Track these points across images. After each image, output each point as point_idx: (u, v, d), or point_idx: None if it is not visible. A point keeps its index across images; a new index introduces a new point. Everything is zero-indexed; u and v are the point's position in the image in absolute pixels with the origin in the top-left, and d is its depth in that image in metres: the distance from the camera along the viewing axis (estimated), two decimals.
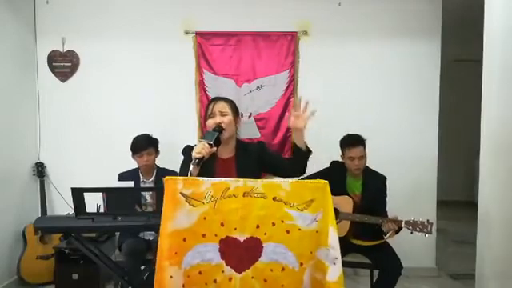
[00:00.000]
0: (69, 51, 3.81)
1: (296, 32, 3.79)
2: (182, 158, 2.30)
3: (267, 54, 3.80)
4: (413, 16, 3.81)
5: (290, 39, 3.80)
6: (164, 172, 3.13)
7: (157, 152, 3.27)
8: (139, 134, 3.26)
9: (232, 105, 2.33)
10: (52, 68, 3.83)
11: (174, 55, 3.79)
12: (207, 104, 2.39)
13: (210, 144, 2.07)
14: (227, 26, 3.78)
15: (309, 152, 2.23)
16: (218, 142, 2.13)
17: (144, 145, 3.18)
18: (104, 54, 3.81)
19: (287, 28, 3.79)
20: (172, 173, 3.16)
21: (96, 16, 3.80)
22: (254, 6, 3.79)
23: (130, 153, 3.20)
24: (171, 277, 1.75)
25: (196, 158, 2.02)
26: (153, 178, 3.24)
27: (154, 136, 3.28)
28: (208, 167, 2.11)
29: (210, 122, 2.25)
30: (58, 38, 3.80)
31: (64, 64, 3.82)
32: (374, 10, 3.82)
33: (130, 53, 3.80)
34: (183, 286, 1.77)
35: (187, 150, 2.25)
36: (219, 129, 2.19)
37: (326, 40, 3.80)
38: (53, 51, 3.81)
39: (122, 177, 3.16)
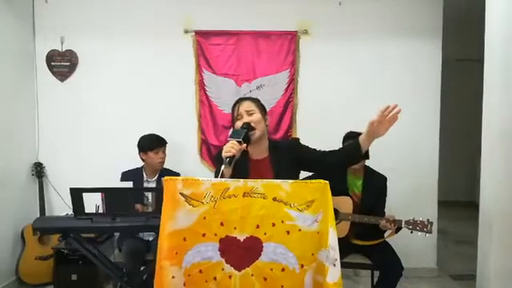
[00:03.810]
0: (68, 50, 3.79)
1: (296, 31, 3.78)
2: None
3: (267, 54, 3.78)
4: (414, 15, 3.79)
5: (291, 38, 3.78)
6: (168, 173, 3.11)
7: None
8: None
9: (258, 103, 2.20)
10: (51, 67, 3.80)
11: (174, 54, 3.77)
12: (232, 107, 2.23)
13: (238, 141, 1.95)
14: (227, 25, 3.77)
15: (366, 156, 2.17)
16: (247, 139, 2.00)
17: (160, 142, 3.20)
18: (103, 53, 3.79)
19: (287, 27, 3.78)
20: (176, 174, 3.16)
21: (95, 15, 3.78)
22: (254, 5, 3.77)
23: (138, 150, 3.20)
24: (173, 277, 1.74)
25: (227, 158, 1.90)
26: (156, 178, 3.23)
27: None
28: (241, 169, 1.99)
29: (239, 124, 2.10)
30: (57, 38, 3.78)
31: (63, 63, 3.80)
32: (374, 9, 3.80)
33: (130, 52, 3.78)
34: (184, 284, 1.76)
35: (218, 155, 2.05)
36: (247, 126, 2.06)
37: (327, 39, 3.79)
38: (51, 50, 3.79)
39: (125, 175, 3.16)
